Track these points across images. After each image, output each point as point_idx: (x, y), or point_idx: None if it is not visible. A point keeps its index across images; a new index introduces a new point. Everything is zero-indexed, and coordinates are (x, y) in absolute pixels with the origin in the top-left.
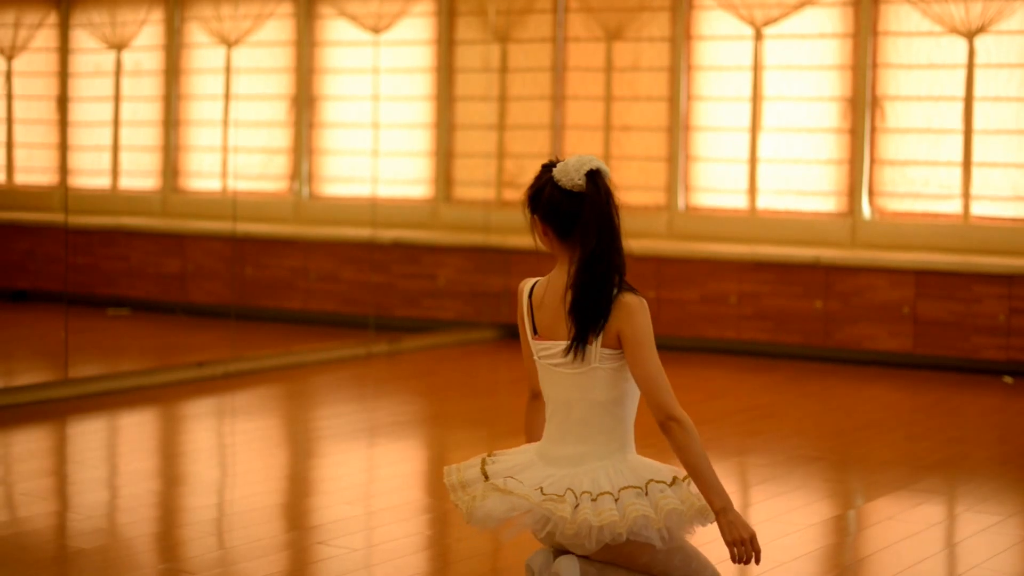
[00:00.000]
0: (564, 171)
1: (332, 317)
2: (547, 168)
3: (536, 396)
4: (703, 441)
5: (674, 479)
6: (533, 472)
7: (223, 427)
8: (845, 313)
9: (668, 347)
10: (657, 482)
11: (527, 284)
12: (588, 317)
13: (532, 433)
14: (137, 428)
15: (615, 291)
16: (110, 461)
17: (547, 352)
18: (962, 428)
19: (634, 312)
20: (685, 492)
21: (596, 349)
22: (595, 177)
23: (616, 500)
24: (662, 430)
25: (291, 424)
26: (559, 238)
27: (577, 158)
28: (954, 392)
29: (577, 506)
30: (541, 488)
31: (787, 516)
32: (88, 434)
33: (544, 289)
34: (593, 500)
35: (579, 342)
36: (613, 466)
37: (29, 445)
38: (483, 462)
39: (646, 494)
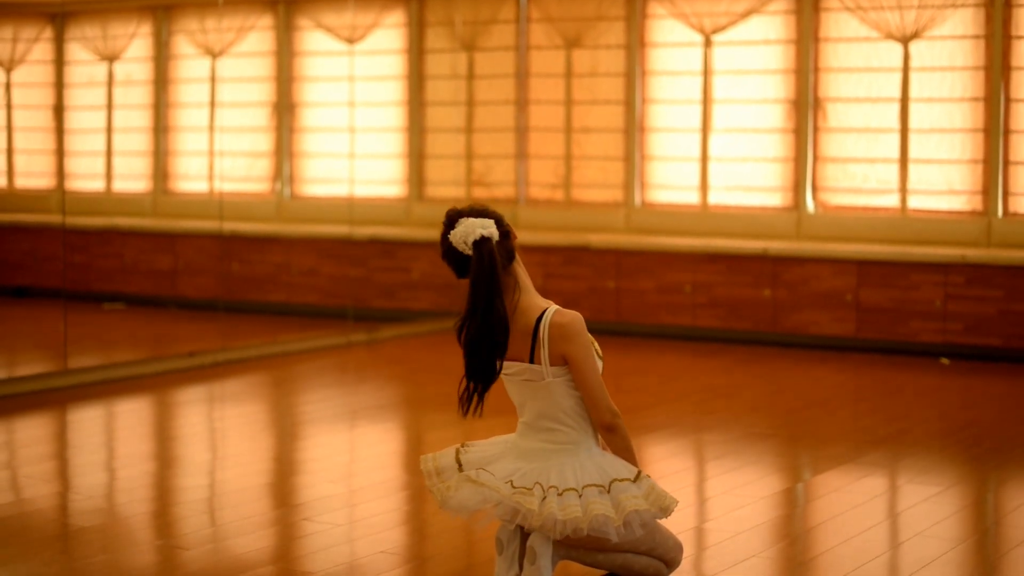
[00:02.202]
0: (458, 237)
1: (313, 309)
2: (451, 218)
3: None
4: (664, 421)
5: (637, 475)
6: (504, 464)
7: (213, 412)
8: (792, 301)
9: (627, 333)
10: (620, 480)
11: None
12: (476, 373)
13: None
14: (133, 414)
15: (540, 316)
16: (108, 445)
17: (508, 371)
18: (903, 406)
19: (573, 335)
20: (648, 488)
21: (546, 368)
22: (480, 245)
23: (580, 496)
24: (608, 429)
25: (277, 409)
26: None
27: (468, 226)
28: (895, 373)
29: (544, 499)
30: (511, 481)
31: (741, 489)
32: (87, 421)
33: None
34: (559, 495)
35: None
36: (579, 462)
37: (31, 431)
38: (457, 452)
39: (608, 492)
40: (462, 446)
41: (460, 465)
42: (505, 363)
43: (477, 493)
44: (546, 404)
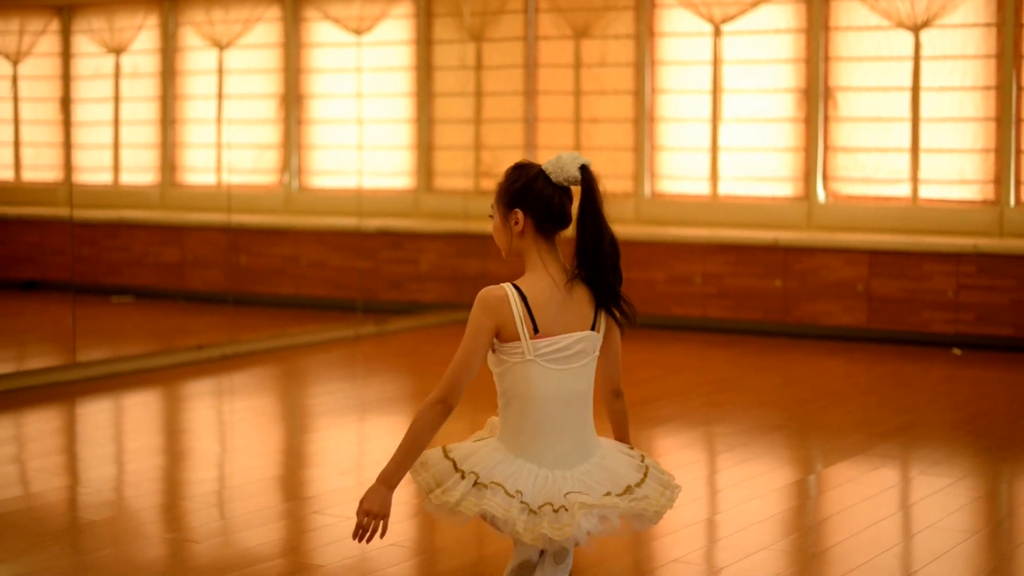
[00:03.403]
0: (558, 165)
1: (322, 301)
2: (521, 167)
3: (449, 407)
4: (674, 413)
5: (646, 470)
6: (521, 477)
7: (222, 405)
8: (803, 291)
9: (637, 324)
10: (636, 486)
11: (509, 289)
12: (615, 296)
13: (421, 443)
14: (141, 408)
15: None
16: (117, 439)
17: (552, 348)
18: (915, 397)
19: None
20: (656, 485)
21: (600, 337)
22: (587, 172)
23: (590, 508)
24: (614, 397)
25: (286, 402)
26: (541, 232)
27: (569, 154)
28: (906, 364)
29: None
30: (520, 494)
31: (752, 481)
32: (95, 414)
33: (537, 289)
34: (565, 510)
35: (617, 318)
36: (597, 468)
37: (40, 425)
38: (444, 450)
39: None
40: (445, 447)
41: (458, 469)
42: (549, 339)
43: (479, 508)
44: (587, 384)
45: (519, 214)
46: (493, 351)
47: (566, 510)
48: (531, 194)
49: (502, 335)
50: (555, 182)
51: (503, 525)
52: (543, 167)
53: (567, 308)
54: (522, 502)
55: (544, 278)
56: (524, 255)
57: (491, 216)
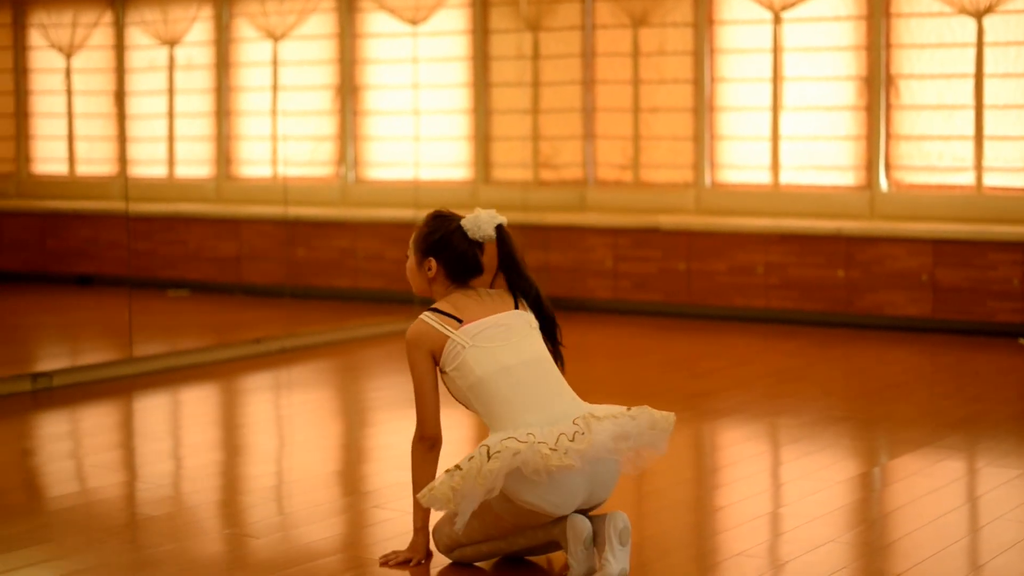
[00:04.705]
0: (475, 223)
1: (379, 294)
2: (441, 218)
3: (434, 445)
4: (738, 404)
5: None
6: (525, 432)
7: (280, 400)
8: (866, 281)
9: (698, 316)
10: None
11: (424, 316)
12: (537, 296)
13: (421, 481)
14: (199, 402)
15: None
16: (174, 434)
17: (480, 328)
18: (981, 388)
19: None
20: (647, 408)
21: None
22: (502, 231)
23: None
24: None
25: (344, 395)
26: (452, 280)
27: (487, 212)
28: (972, 354)
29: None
30: (533, 436)
31: (817, 473)
32: (153, 409)
33: (450, 299)
34: (580, 433)
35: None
36: (588, 415)
37: (97, 420)
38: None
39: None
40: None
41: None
42: (480, 320)
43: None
44: (535, 353)
45: (432, 262)
46: (450, 392)
47: (580, 433)
48: (447, 247)
49: (438, 354)
50: (471, 238)
51: (532, 471)
52: (461, 222)
53: (485, 301)
54: (539, 441)
55: (456, 295)
56: (435, 296)
57: (407, 256)
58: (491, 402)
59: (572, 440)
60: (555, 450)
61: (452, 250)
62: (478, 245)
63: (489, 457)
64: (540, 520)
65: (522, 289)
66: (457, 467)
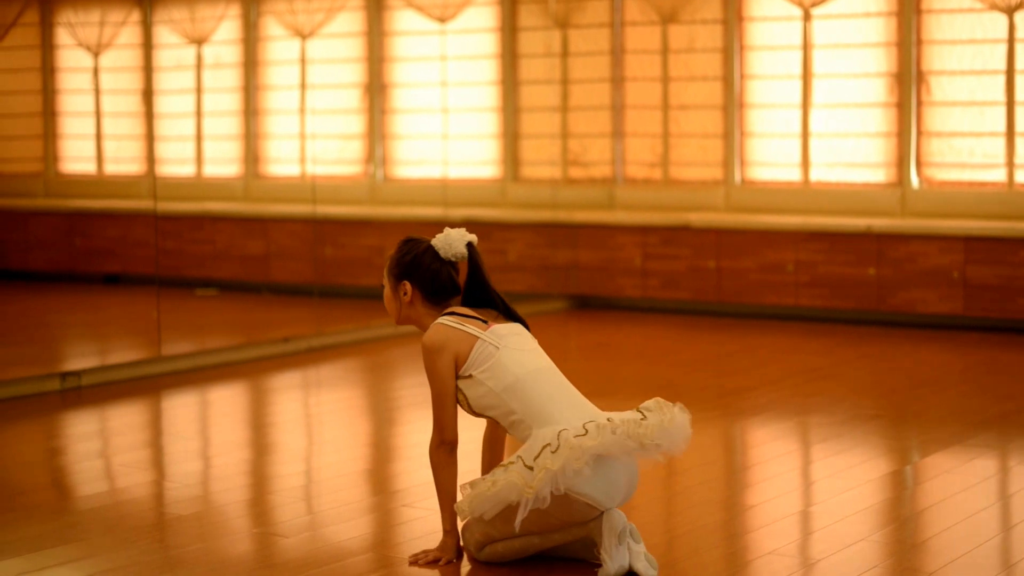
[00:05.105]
0: (446, 242)
1: None
2: (411, 242)
3: (453, 448)
4: (768, 403)
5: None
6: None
7: (308, 398)
8: (897, 279)
9: (729, 314)
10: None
11: (440, 321)
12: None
13: (443, 484)
14: (227, 401)
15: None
16: (203, 433)
17: (507, 331)
18: (1012, 386)
19: None
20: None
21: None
22: (473, 249)
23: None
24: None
25: (372, 394)
26: (429, 301)
27: (457, 231)
28: (1003, 352)
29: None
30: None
31: (848, 472)
32: (181, 408)
33: (456, 310)
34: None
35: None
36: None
37: (126, 419)
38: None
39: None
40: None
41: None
42: (500, 325)
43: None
44: (548, 361)
45: (407, 286)
46: (467, 397)
47: (608, 419)
48: (419, 268)
49: (461, 359)
50: (443, 257)
51: (623, 451)
52: (432, 243)
53: (476, 313)
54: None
55: (448, 311)
56: (416, 321)
57: (382, 286)
58: (533, 400)
59: (600, 426)
60: (582, 437)
61: (425, 270)
62: (451, 264)
63: (555, 450)
64: (589, 515)
65: (491, 301)
66: (527, 467)
